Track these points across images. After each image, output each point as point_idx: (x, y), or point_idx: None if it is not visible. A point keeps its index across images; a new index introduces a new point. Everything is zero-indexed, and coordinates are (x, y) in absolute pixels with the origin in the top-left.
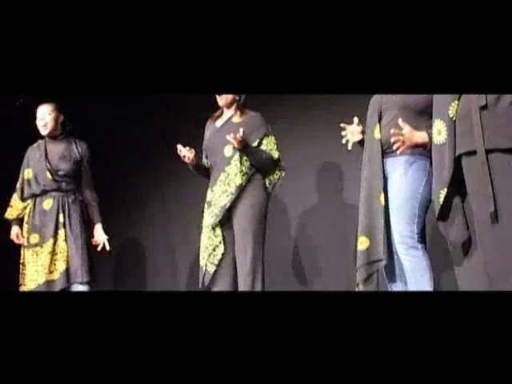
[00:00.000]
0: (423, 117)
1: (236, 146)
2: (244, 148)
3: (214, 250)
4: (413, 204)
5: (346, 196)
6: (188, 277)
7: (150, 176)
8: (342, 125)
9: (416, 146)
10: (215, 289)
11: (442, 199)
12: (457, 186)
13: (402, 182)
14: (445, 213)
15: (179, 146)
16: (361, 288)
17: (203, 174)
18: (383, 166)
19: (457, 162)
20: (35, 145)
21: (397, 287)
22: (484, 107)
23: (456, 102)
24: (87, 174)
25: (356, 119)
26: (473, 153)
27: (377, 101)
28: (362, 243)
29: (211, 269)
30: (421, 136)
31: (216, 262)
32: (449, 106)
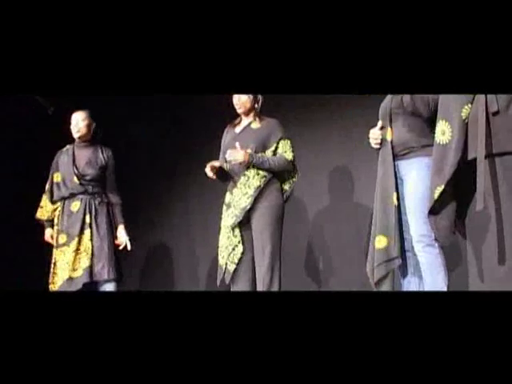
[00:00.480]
0: (430, 122)
1: (242, 162)
2: (250, 163)
3: (233, 249)
4: (426, 205)
5: (359, 197)
6: (207, 277)
7: (173, 177)
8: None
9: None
10: (235, 286)
11: (436, 194)
12: (455, 185)
13: (419, 182)
14: (437, 208)
15: (207, 171)
16: (378, 285)
17: (223, 180)
18: (396, 168)
19: (463, 162)
20: (64, 149)
21: (410, 283)
22: (496, 113)
23: (469, 105)
24: (112, 178)
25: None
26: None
27: (387, 104)
28: (380, 242)
29: (231, 267)
30: None
31: (236, 261)
32: (462, 108)
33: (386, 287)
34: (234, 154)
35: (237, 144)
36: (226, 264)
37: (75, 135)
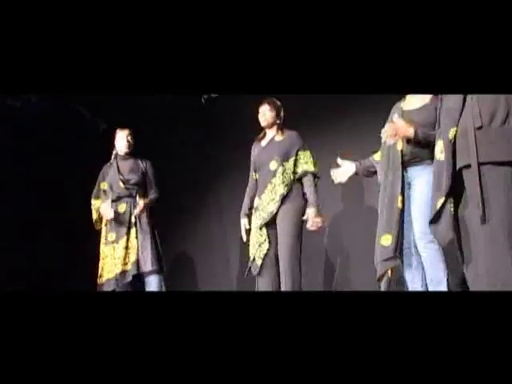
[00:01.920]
0: (429, 128)
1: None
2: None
3: (259, 246)
4: (430, 206)
5: (370, 201)
6: (240, 276)
7: (207, 179)
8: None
9: (404, 137)
10: (260, 278)
11: (438, 205)
12: (452, 195)
13: (425, 187)
14: (437, 217)
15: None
16: (382, 281)
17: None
18: (404, 173)
19: (456, 176)
20: (108, 163)
21: (414, 277)
22: (480, 127)
23: (455, 128)
24: (151, 183)
25: (339, 160)
26: (468, 166)
27: (397, 115)
28: (385, 240)
29: (258, 262)
30: (409, 130)
31: (262, 256)
32: (449, 130)
33: (391, 282)
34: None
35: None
36: (254, 259)
37: (120, 150)
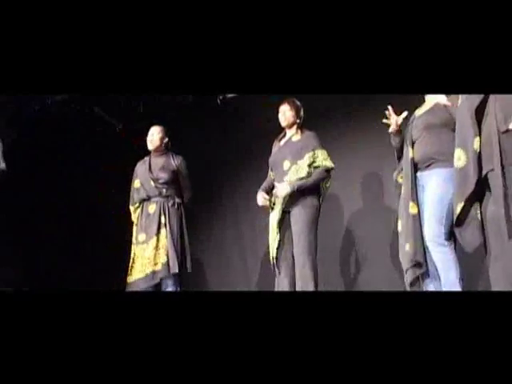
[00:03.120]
0: (444, 131)
1: (287, 194)
2: (293, 191)
3: (277, 246)
4: (442, 208)
5: (386, 201)
6: (258, 274)
7: (223, 179)
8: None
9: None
10: (280, 278)
11: (458, 210)
12: (474, 201)
13: (436, 189)
14: (461, 221)
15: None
16: (414, 286)
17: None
18: (418, 178)
19: (480, 181)
20: (142, 161)
21: (431, 281)
22: (505, 131)
23: (478, 138)
24: (185, 182)
25: (405, 113)
26: (493, 169)
27: (409, 127)
28: (408, 246)
29: (274, 261)
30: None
31: (280, 257)
32: (473, 140)
33: (417, 289)
34: (279, 191)
35: (277, 184)
36: (273, 259)
37: (148, 146)
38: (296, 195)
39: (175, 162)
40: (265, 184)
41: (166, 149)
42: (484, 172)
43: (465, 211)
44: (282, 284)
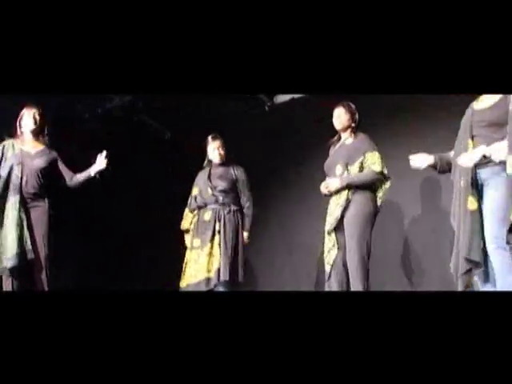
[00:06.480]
0: (503, 128)
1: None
2: (342, 186)
3: (328, 252)
4: (504, 210)
5: (443, 203)
6: (306, 276)
7: (275, 183)
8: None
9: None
10: (329, 283)
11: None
12: None
13: (498, 188)
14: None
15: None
16: (470, 288)
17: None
18: (478, 175)
19: None
20: (203, 170)
21: (486, 283)
22: None
23: None
24: (245, 191)
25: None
26: None
27: (468, 119)
28: (464, 246)
29: (327, 268)
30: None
31: (331, 262)
32: None
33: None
34: (330, 184)
35: (328, 179)
36: (325, 265)
37: (217, 159)
38: (351, 200)
39: (235, 171)
40: None
41: (225, 160)
42: None
43: None
44: (332, 289)
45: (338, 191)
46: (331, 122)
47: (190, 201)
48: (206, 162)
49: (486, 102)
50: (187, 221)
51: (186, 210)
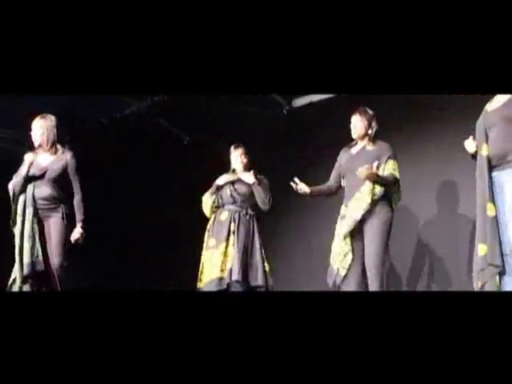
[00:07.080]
0: None
1: (370, 175)
2: (376, 177)
3: (344, 256)
4: None
5: (461, 208)
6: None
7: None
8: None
9: None
10: (344, 288)
11: None
12: None
13: None
14: None
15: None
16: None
17: (324, 194)
18: (494, 178)
19: None
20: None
21: (506, 286)
22: None
23: None
24: (260, 195)
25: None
26: None
27: (481, 122)
28: (482, 250)
29: (342, 272)
30: None
31: (346, 267)
32: None
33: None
34: (361, 173)
35: (374, 164)
36: (338, 269)
37: (239, 167)
38: (375, 205)
39: (254, 177)
40: (321, 186)
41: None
42: None
43: None
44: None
45: (361, 195)
46: (349, 126)
47: (207, 199)
48: (230, 171)
49: (499, 99)
50: (207, 204)
51: (207, 194)
